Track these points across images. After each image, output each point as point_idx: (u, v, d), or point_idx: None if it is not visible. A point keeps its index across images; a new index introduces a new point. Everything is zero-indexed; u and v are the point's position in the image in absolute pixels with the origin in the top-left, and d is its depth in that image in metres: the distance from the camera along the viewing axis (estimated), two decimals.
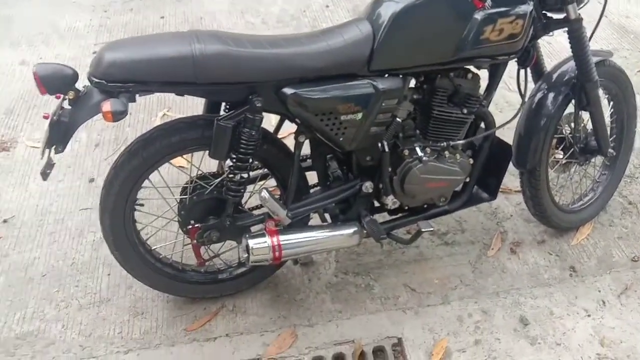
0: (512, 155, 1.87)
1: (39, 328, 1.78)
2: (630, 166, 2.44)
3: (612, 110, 2.13)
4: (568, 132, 1.99)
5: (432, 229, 1.71)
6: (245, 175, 1.60)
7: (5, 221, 2.13)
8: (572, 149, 2.02)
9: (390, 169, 1.70)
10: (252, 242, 1.59)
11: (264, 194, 1.57)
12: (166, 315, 1.84)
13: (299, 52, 1.48)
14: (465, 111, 1.69)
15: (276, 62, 1.45)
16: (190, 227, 1.66)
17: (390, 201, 1.73)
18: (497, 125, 1.80)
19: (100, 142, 2.50)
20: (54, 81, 1.36)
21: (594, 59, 1.88)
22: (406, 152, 1.68)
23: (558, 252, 2.10)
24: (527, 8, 1.57)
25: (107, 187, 1.58)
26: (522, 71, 1.81)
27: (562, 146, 2.04)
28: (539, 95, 1.88)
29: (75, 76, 1.40)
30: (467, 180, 1.84)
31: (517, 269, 2.03)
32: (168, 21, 3.33)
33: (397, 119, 1.60)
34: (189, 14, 3.40)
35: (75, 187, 2.28)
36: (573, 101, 1.90)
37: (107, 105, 1.31)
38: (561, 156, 2.06)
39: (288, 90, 1.48)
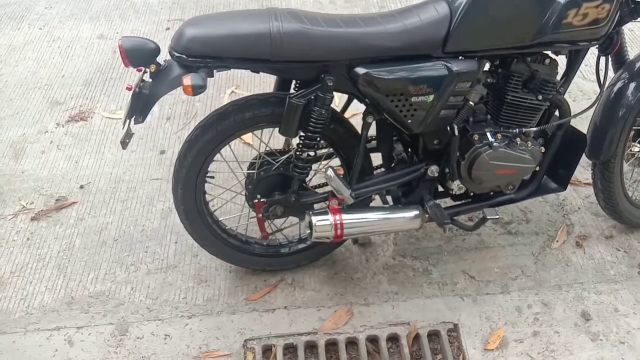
0: (588, 145, 1.80)
1: (110, 289, 1.90)
2: None
3: None
4: None
5: (497, 216, 1.68)
6: (312, 154, 1.62)
7: (82, 187, 2.25)
8: None
9: (458, 154, 1.68)
10: (315, 219, 1.62)
11: (330, 172, 1.60)
12: (228, 284, 1.91)
13: (373, 32, 1.48)
14: (540, 97, 1.65)
15: (350, 42, 1.46)
16: (256, 201, 1.71)
17: (456, 186, 1.72)
18: (572, 113, 1.74)
19: (171, 116, 2.59)
20: (137, 54, 1.43)
21: None
22: (476, 136, 1.65)
23: (627, 249, 2.02)
24: None
25: (181, 158, 1.64)
26: (602, 59, 1.74)
27: (639, 139, 1.95)
28: (619, 84, 1.80)
29: (157, 50, 1.45)
30: (537, 169, 1.79)
31: (582, 263, 1.97)
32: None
33: (470, 103, 1.58)
34: None
35: (147, 158, 2.39)
36: None
37: (187, 79, 1.36)
38: (638, 149, 1.98)
39: (360, 70, 1.48)
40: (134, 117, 1.48)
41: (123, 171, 2.33)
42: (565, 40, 1.55)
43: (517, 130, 1.66)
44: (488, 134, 1.64)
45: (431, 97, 1.53)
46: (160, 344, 1.75)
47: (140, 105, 1.47)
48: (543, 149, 1.74)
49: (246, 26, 1.43)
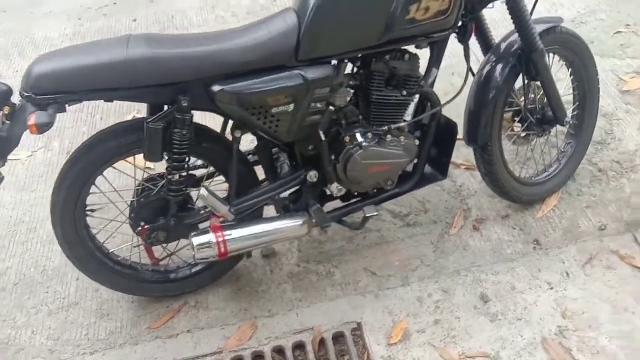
0: (464, 132, 1.85)
1: (10, 335, 1.85)
2: (602, 132, 2.39)
3: (572, 77, 2.09)
4: (523, 104, 1.96)
5: (376, 213, 1.71)
6: (184, 174, 1.62)
7: None
8: (529, 121, 1.99)
9: (333, 157, 1.70)
10: (195, 240, 1.62)
11: (203, 191, 1.60)
12: (131, 315, 1.89)
13: (224, 48, 1.49)
14: (404, 93, 1.68)
15: (200, 60, 1.47)
16: (140, 228, 1.70)
17: (336, 189, 1.74)
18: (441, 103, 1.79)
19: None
20: None
21: (540, 27, 1.85)
22: (347, 138, 1.68)
23: (522, 226, 2.08)
24: None
25: (55, 194, 1.62)
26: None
27: (519, 118, 2.01)
28: (487, 68, 1.86)
29: (9, 91, 1.43)
30: (416, 161, 1.83)
31: (480, 246, 2.03)
32: (140, 23, 3.35)
33: (331, 107, 1.60)
34: (160, 14, 3.41)
35: (47, 195, 2.32)
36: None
37: (31, 119, 1.34)
38: (519, 129, 2.04)
39: (215, 87, 1.49)
40: None
41: (23, 212, 2.28)
42: (415, 34, 1.59)
43: (386, 127, 1.70)
44: (357, 135, 1.67)
45: (291, 106, 1.55)
46: None
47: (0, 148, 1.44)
48: (417, 142, 1.78)
49: (93, 57, 1.42)
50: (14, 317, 1.90)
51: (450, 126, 1.82)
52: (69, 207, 1.62)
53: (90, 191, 1.66)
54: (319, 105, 1.59)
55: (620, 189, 2.18)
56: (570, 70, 2.07)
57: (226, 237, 1.63)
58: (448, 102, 1.79)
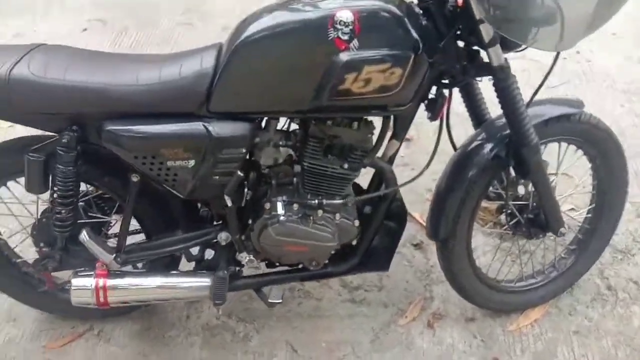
0: (427, 219, 1.54)
1: None
2: (629, 238, 1.94)
3: (592, 173, 1.67)
4: (509, 200, 1.58)
5: (280, 301, 1.46)
6: (71, 211, 1.44)
7: None
8: (515, 220, 1.62)
9: (250, 220, 1.46)
10: (75, 281, 1.46)
11: (83, 235, 1.42)
12: (35, 327, 1.79)
13: (122, 83, 1.28)
14: (345, 166, 1.39)
15: (92, 94, 1.27)
16: (37, 249, 1.57)
17: (244, 259, 1.50)
18: (398, 183, 1.48)
19: None
20: None
21: (551, 112, 1.47)
22: (267, 205, 1.42)
23: (486, 337, 1.73)
24: (408, 53, 1.21)
25: None
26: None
27: (504, 213, 1.65)
28: (467, 150, 1.51)
29: None
30: (355, 243, 1.54)
31: (426, 348, 1.71)
32: None
33: (238, 173, 1.35)
34: None
35: None
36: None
37: None
38: (504, 225, 1.67)
39: (105, 126, 1.29)
40: None
41: None
42: (349, 108, 1.29)
43: (316, 201, 1.42)
44: (279, 204, 1.41)
45: (192, 162, 1.32)
46: None
47: None
48: (357, 223, 1.48)
49: None
50: None
51: (400, 214, 1.50)
52: None
53: None
54: (229, 166, 1.34)
55: (628, 319, 1.76)
56: (590, 165, 1.65)
57: (109, 286, 1.45)
58: (405, 183, 1.48)
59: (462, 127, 1.63)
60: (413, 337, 1.74)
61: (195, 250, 1.57)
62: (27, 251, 1.69)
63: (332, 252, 1.52)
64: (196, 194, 1.38)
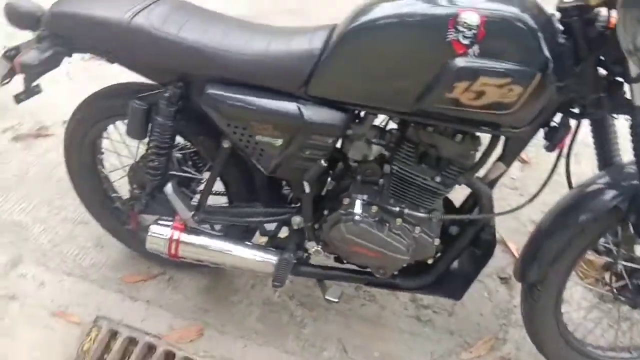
0: (519, 256, 1.40)
1: (27, 223, 2.01)
2: None
3: None
4: (620, 259, 1.37)
5: (336, 300, 1.40)
6: (164, 162, 1.48)
7: (64, 122, 2.40)
8: (623, 284, 1.40)
9: (327, 212, 1.41)
10: (153, 228, 1.52)
11: (168, 188, 1.46)
12: (118, 258, 1.91)
13: (231, 50, 1.27)
14: (438, 179, 1.29)
15: (197, 54, 1.28)
16: (130, 189, 1.65)
17: (312, 247, 1.46)
18: (495, 210, 1.34)
19: None
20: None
21: None
22: (346, 200, 1.36)
23: None
24: (533, 72, 1.07)
25: (67, 137, 1.65)
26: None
27: (611, 273, 1.43)
28: (582, 192, 1.32)
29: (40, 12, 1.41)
30: (431, 261, 1.43)
31: None
32: None
33: (322, 162, 1.29)
34: None
35: None
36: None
37: (20, 57, 1.33)
38: (607, 285, 1.46)
39: (207, 88, 1.30)
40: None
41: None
42: (455, 119, 1.17)
43: (398, 208, 1.33)
44: (357, 202, 1.34)
45: (279, 141, 1.29)
46: (34, 288, 1.84)
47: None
48: (437, 242, 1.37)
49: (108, 12, 1.33)
50: (39, 209, 2.07)
51: (486, 245, 1.37)
52: (80, 151, 1.64)
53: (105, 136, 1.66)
54: (316, 153, 1.29)
55: None
56: None
57: (182, 240, 1.50)
58: (503, 213, 1.33)
59: (586, 162, 1.43)
60: None
61: (270, 227, 1.56)
62: (123, 188, 1.79)
63: (404, 265, 1.43)
64: (278, 172, 1.36)
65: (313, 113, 1.24)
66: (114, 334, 1.73)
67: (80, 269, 1.89)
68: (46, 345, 1.70)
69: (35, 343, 1.71)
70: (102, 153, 1.73)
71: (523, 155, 2.14)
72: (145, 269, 1.88)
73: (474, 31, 1.08)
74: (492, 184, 1.35)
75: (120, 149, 1.75)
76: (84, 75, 2.62)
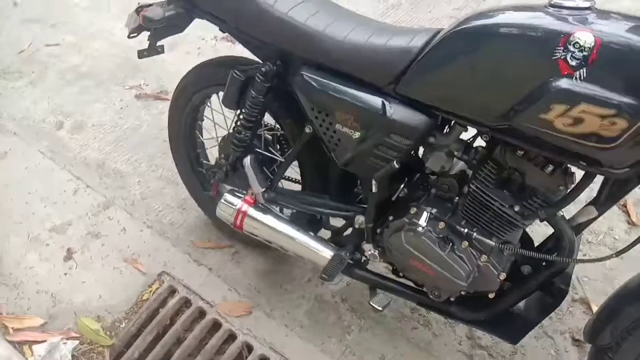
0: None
1: (127, 172, 2.18)
2: None
3: None
4: None
5: (380, 309, 1.34)
6: (249, 135, 1.52)
7: None
8: None
9: (391, 217, 1.36)
10: (226, 196, 1.56)
11: (247, 160, 1.50)
12: (195, 222, 2.00)
13: (331, 36, 1.28)
14: (517, 209, 1.19)
15: (299, 36, 1.30)
16: (217, 158, 1.72)
17: (368, 250, 1.41)
18: (577, 256, 1.21)
19: None
20: None
21: None
22: (413, 209, 1.31)
23: None
24: None
25: (173, 100, 1.76)
26: None
27: None
28: None
29: None
30: (492, 296, 1.32)
31: None
32: None
33: (394, 163, 1.25)
34: None
35: None
36: None
37: (145, 11, 1.44)
38: None
39: (302, 69, 1.32)
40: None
41: None
42: (548, 146, 1.06)
43: (467, 230, 1.25)
44: (425, 214, 1.28)
45: (357, 134, 1.27)
46: (116, 231, 1.98)
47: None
48: (503, 276, 1.27)
49: None
50: (141, 163, 2.23)
51: (560, 293, 1.23)
52: (181, 115, 1.75)
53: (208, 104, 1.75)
54: (390, 152, 1.26)
55: None
56: None
57: (249, 214, 1.53)
58: (585, 260, 1.20)
59: None
60: None
61: (335, 223, 1.54)
62: (214, 157, 1.88)
63: (462, 292, 1.34)
64: (350, 166, 1.34)
65: (396, 111, 1.21)
66: (172, 291, 1.81)
67: (159, 224, 2.01)
68: (111, 285, 1.83)
69: (104, 281, 1.84)
70: (202, 120, 1.82)
71: (632, 214, 1.93)
72: (215, 238, 1.95)
73: (585, 53, 0.99)
74: (578, 228, 1.21)
75: (219, 121, 1.83)
76: (212, 53, 2.79)
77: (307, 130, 1.41)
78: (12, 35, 2.94)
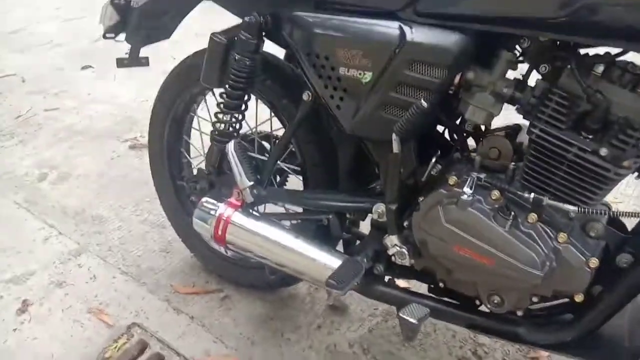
0: None
1: (108, 217, 1.86)
2: None
3: None
4: None
5: (415, 322, 0.91)
6: (236, 120, 1.22)
7: None
8: None
9: (422, 197, 0.98)
10: (204, 200, 1.21)
11: (231, 146, 1.16)
12: (178, 266, 1.64)
13: None
14: (603, 152, 0.82)
15: None
16: (199, 169, 1.40)
17: (392, 244, 1.01)
18: None
19: None
20: None
21: None
22: (453, 178, 0.93)
23: None
24: None
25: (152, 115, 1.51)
26: None
27: None
28: None
29: None
30: (581, 297, 0.89)
31: None
32: None
33: (422, 102, 0.90)
34: None
35: None
36: None
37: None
38: None
39: (294, 11, 1.04)
40: None
41: None
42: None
43: (533, 195, 0.87)
44: (470, 180, 0.91)
45: (368, 76, 0.95)
46: (84, 280, 1.62)
47: None
48: (594, 263, 0.85)
49: None
50: (125, 207, 1.91)
51: None
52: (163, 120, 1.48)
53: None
54: (413, 93, 0.92)
55: None
56: None
57: (233, 219, 1.16)
58: None
59: None
60: None
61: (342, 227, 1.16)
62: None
63: (534, 299, 0.91)
64: (361, 129, 1.00)
65: (418, 33, 0.90)
66: (142, 347, 1.40)
67: (136, 269, 1.64)
68: (69, 341, 1.43)
69: (60, 336, 1.44)
70: (188, 135, 1.53)
71: None
72: (202, 282, 1.57)
73: None
74: None
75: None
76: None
77: (305, 97, 1.09)
78: (13, 104, 2.81)
